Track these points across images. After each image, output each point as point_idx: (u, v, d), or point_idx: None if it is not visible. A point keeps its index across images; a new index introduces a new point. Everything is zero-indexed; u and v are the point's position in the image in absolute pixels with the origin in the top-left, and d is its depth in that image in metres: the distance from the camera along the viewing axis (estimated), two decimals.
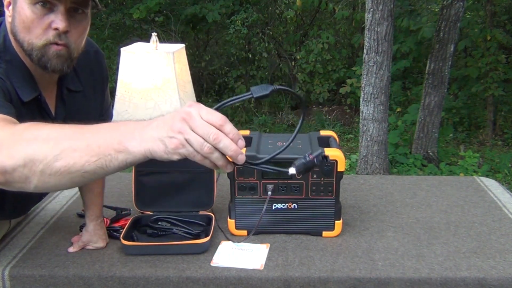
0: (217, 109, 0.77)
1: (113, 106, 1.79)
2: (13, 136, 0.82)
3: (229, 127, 0.75)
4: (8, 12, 1.04)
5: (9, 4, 1.03)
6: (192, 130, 0.73)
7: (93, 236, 1.34)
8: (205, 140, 0.73)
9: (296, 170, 0.83)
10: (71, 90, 1.20)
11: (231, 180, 1.36)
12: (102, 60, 1.31)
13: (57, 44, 1.01)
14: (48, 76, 1.12)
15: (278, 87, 0.79)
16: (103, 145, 0.76)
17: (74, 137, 0.79)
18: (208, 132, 0.73)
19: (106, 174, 0.80)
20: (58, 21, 0.99)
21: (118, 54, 1.82)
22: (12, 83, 1.04)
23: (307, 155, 0.83)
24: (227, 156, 0.76)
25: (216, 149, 0.74)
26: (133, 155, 0.76)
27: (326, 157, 0.80)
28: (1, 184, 0.81)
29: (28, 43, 1.01)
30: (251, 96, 0.79)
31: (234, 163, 0.78)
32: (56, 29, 1.00)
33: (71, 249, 1.33)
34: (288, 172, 0.83)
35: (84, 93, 1.24)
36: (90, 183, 1.35)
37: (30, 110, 1.08)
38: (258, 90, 0.79)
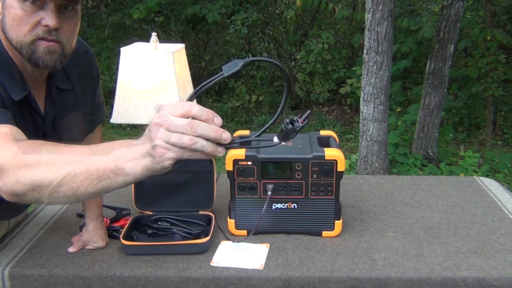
0: (192, 99, 0.76)
1: (112, 106, 1.79)
2: (15, 160, 0.83)
3: (197, 109, 0.73)
4: None
5: None
6: (168, 130, 0.72)
7: (93, 236, 1.34)
8: (183, 133, 0.72)
9: (279, 138, 0.82)
10: (60, 89, 1.18)
11: (231, 180, 1.36)
12: (92, 59, 1.29)
13: (46, 39, 1.00)
14: (37, 74, 1.10)
15: (249, 59, 0.76)
16: (100, 169, 0.78)
17: (72, 161, 0.81)
18: (181, 124, 0.72)
19: (109, 191, 0.82)
20: (49, 18, 0.98)
21: (118, 54, 1.82)
22: (2, 81, 1.03)
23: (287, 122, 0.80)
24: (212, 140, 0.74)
25: (198, 136, 0.72)
26: (132, 176, 0.78)
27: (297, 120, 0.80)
28: (16, 201, 0.86)
29: (17, 40, 1.00)
30: (222, 76, 0.75)
31: (224, 145, 0.75)
32: (46, 26, 0.98)
33: (71, 249, 1.33)
34: (273, 140, 0.82)
35: (74, 92, 1.22)
36: None
37: (20, 110, 1.07)
38: (229, 68, 0.76)
